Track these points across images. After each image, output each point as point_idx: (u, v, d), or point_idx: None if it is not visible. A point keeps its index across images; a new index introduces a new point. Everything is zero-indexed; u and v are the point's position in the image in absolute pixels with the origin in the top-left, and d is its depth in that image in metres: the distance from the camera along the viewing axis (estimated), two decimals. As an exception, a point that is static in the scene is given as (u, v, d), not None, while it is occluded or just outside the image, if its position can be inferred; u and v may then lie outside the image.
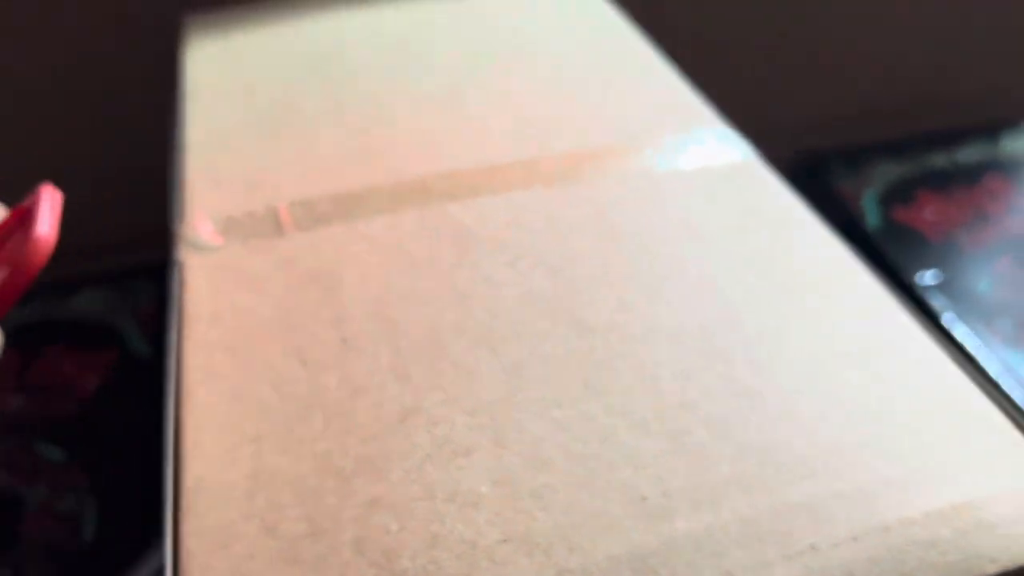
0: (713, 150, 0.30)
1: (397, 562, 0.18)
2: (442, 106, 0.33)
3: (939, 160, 0.53)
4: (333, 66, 0.36)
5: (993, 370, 0.40)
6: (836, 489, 0.19)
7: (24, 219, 0.20)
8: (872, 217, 0.50)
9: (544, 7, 0.40)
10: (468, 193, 0.28)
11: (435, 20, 0.39)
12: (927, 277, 0.45)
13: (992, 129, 0.55)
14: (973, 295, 0.44)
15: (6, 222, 0.20)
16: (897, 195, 0.51)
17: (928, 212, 0.50)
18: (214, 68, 0.37)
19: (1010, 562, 0.17)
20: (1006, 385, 0.39)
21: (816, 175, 0.54)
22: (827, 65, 0.56)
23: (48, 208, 0.19)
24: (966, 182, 0.51)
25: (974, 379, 0.21)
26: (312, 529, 0.19)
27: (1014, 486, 0.19)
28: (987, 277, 0.45)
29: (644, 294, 0.24)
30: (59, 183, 0.21)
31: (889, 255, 0.46)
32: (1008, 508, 0.18)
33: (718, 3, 0.53)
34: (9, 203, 0.21)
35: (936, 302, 0.43)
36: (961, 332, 0.42)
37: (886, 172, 0.53)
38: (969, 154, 0.53)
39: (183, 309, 0.25)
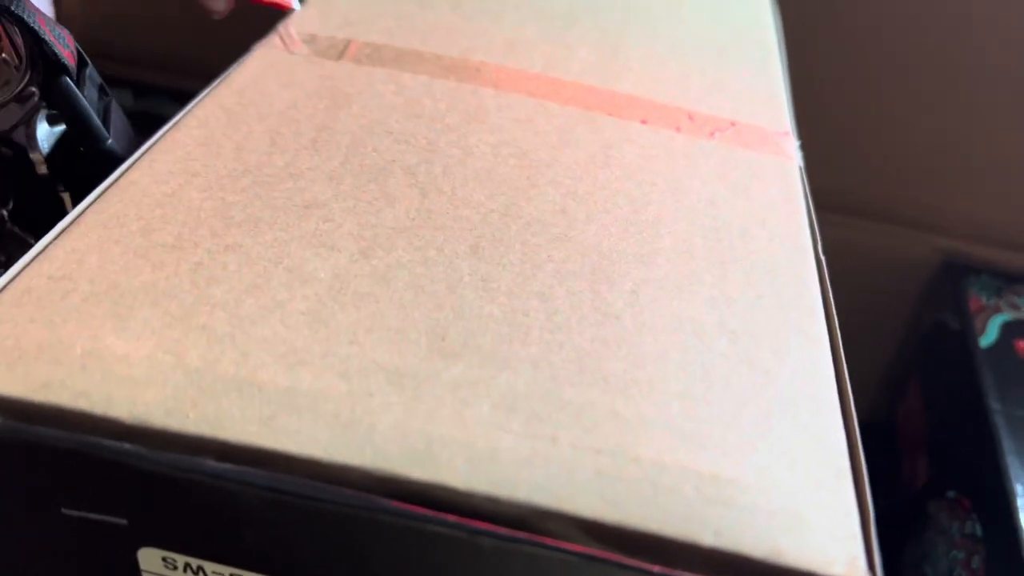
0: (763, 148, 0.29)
1: (209, 288, 0.20)
2: (559, 23, 0.34)
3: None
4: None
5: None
6: (615, 408, 0.18)
7: None
8: (990, 337, 0.45)
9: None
10: (510, 87, 0.29)
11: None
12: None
13: None
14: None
15: None
16: (1032, 330, 0.45)
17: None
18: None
19: (732, 545, 0.16)
20: None
21: (958, 281, 0.49)
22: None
23: None
24: None
25: (847, 420, 0.19)
26: (175, 243, 0.21)
27: (793, 493, 0.17)
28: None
29: (586, 216, 0.24)
30: None
31: (981, 372, 0.42)
32: (770, 503, 0.17)
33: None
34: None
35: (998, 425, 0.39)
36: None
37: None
38: None
39: (226, 76, 0.28)
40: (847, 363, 0.21)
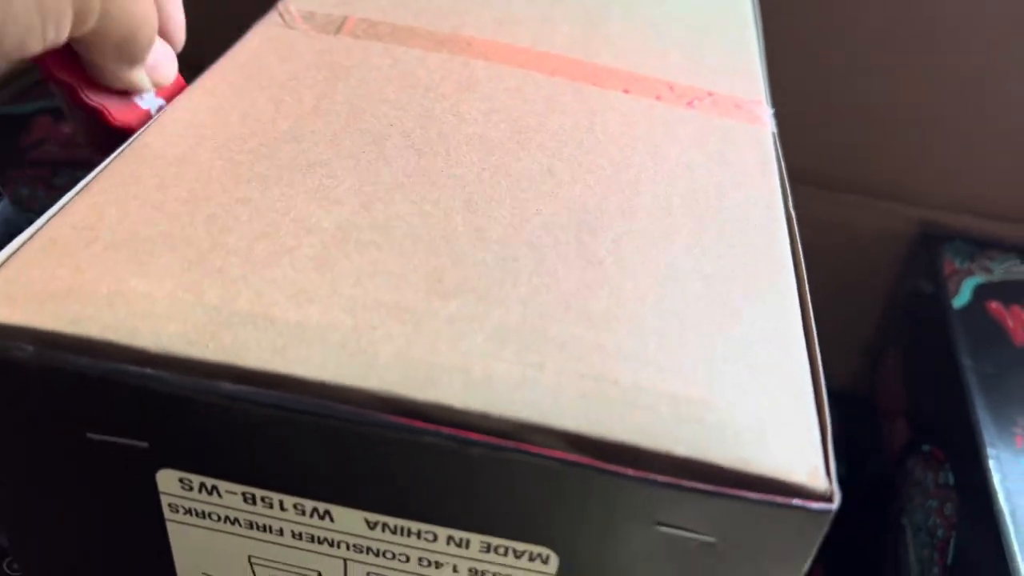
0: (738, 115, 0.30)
1: (222, 237, 0.21)
2: (544, 2, 0.36)
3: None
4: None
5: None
6: (598, 341, 0.20)
7: None
8: (962, 298, 0.47)
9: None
10: (500, 60, 0.31)
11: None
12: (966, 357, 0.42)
13: None
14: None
15: None
16: (1003, 292, 0.47)
17: (1028, 317, 0.46)
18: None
19: (701, 455, 0.18)
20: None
21: (932, 247, 0.51)
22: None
23: None
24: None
25: (810, 355, 0.21)
26: (188, 197, 0.22)
27: (759, 413, 0.19)
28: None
29: (571, 176, 0.26)
30: None
31: (954, 331, 0.44)
32: (737, 420, 0.18)
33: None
34: None
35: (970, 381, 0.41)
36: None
37: (1010, 271, 0.49)
38: None
39: (229, 52, 0.30)
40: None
